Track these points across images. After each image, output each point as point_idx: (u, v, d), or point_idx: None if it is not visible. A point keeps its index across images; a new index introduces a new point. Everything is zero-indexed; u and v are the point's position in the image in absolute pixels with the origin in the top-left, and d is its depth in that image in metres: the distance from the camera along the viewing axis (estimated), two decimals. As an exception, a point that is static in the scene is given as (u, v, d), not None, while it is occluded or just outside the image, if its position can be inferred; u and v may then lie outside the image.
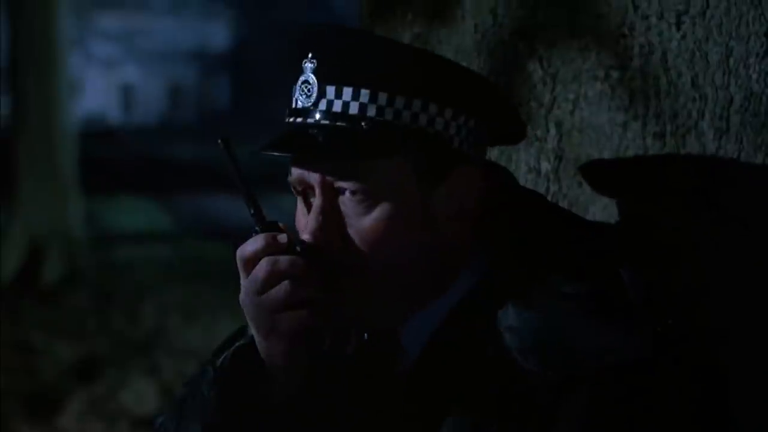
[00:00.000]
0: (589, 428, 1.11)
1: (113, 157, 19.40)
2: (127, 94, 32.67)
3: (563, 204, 1.51)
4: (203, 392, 1.26)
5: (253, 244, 1.20)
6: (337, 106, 1.17)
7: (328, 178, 1.19)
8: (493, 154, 1.58)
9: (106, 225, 11.93)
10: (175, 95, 33.17)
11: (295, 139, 1.20)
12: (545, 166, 1.55)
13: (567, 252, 1.22)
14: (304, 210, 1.23)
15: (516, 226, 1.24)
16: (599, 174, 1.50)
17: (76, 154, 9.65)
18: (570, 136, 1.53)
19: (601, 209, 1.50)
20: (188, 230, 12.17)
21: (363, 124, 1.16)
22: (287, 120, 1.22)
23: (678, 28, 1.42)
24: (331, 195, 1.19)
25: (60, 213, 9.20)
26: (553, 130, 1.54)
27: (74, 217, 9.44)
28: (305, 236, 1.20)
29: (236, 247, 1.22)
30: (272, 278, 1.18)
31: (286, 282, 1.18)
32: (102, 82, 31.49)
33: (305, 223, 1.22)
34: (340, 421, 1.28)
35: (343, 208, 1.19)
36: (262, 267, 1.18)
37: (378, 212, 1.18)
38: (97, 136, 21.22)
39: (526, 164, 1.57)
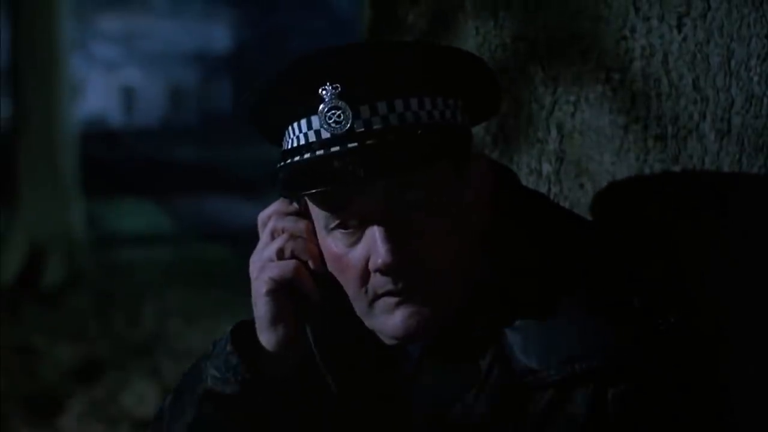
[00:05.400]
0: (592, 426, 1.12)
1: (114, 159, 19.41)
2: (127, 95, 32.68)
3: (564, 205, 1.51)
4: (200, 365, 1.29)
5: (271, 206, 1.27)
6: (377, 123, 1.15)
7: (398, 194, 1.16)
8: (494, 155, 1.58)
9: (106, 227, 11.93)
10: (175, 97, 33.18)
11: (341, 168, 1.14)
12: (546, 167, 1.55)
13: (569, 251, 1.22)
14: (345, 244, 1.20)
15: (519, 226, 1.24)
16: (601, 175, 1.50)
17: (76, 156, 9.65)
18: (571, 138, 1.53)
19: (602, 211, 1.50)
20: (189, 232, 12.16)
21: (419, 131, 1.14)
22: (305, 156, 1.17)
23: (679, 31, 1.42)
24: (394, 214, 1.16)
25: (61, 215, 9.19)
26: (554, 132, 1.54)
27: (75, 219, 9.43)
28: (378, 267, 1.16)
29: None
30: (275, 233, 1.25)
31: (284, 235, 1.24)
32: (103, 83, 31.51)
33: (358, 256, 1.18)
34: (344, 420, 1.28)
35: (408, 224, 1.17)
36: (270, 224, 1.26)
37: (443, 218, 1.17)
38: (98, 137, 21.22)
39: (527, 166, 1.57)
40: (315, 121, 1.16)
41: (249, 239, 1.27)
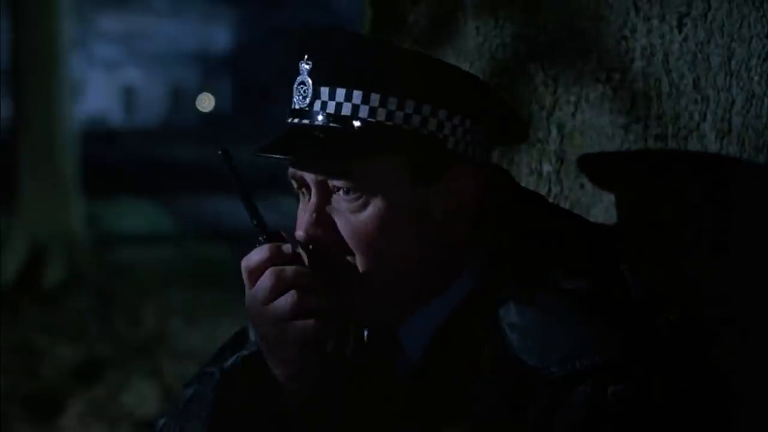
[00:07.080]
0: (592, 423, 1.12)
1: (114, 159, 19.43)
2: (128, 95, 32.72)
3: (565, 205, 1.51)
4: (209, 396, 1.26)
5: (258, 254, 1.20)
6: (331, 107, 1.18)
7: (322, 177, 1.20)
8: (495, 155, 1.58)
9: (107, 227, 11.93)
10: (176, 97, 33.21)
11: (291, 139, 1.21)
12: (547, 167, 1.55)
13: (567, 249, 1.22)
14: (304, 206, 1.24)
15: (516, 225, 1.24)
16: (601, 174, 1.50)
17: (77, 156, 9.66)
18: (571, 138, 1.53)
19: (603, 211, 1.50)
20: (189, 232, 12.17)
21: (355, 124, 1.17)
22: (287, 120, 1.23)
23: (680, 31, 1.42)
24: (326, 193, 1.21)
25: (61, 215, 9.20)
26: (554, 132, 1.54)
27: (75, 219, 9.44)
28: (299, 232, 1.22)
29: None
30: (278, 289, 1.18)
31: (292, 292, 1.17)
32: (103, 84, 31.55)
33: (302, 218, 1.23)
34: (344, 422, 1.28)
35: (336, 205, 1.20)
36: (268, 277, 1.18)
37: (371, 210, 1.19)
38: (98, 137, 21.26)
39: (528, 166, 1.57)
40: (294, 90, 1.22)
41: (249, 239, 1.25)
